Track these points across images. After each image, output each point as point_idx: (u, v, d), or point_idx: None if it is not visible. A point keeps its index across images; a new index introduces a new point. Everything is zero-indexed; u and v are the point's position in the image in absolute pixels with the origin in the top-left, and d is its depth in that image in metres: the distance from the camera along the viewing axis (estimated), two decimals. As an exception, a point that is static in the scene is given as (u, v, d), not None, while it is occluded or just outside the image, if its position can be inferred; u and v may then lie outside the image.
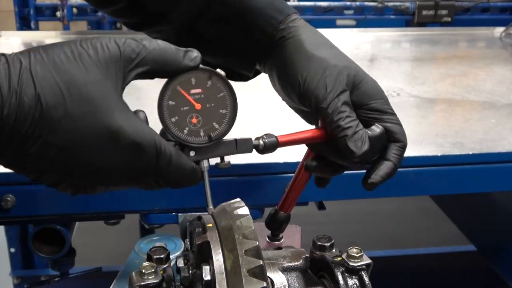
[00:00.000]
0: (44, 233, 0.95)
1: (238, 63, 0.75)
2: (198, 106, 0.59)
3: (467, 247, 2.14)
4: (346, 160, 0.67)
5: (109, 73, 0.55)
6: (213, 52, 0.73)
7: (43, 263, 2.18)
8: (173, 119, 0.59)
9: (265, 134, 0.65)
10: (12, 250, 2.17)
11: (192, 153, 0.60)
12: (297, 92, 0.68)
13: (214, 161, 0.63)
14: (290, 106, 0.75)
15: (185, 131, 0.59)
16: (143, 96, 1.20)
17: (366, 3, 2.25)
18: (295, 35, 0.70)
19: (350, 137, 0.65)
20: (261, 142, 0.64)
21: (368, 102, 0.68)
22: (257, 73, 0.78)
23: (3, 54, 0.53)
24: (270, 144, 0.64)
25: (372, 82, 0.70)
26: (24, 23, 2.29)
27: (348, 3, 2.26)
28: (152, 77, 0.58)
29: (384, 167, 0.68)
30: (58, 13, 2.32)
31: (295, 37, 0.70)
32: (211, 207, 0.61)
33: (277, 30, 0.71)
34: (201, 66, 0.59)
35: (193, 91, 0.59)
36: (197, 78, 0.59)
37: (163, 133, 0.62)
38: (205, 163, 0.61)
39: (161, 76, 0.58)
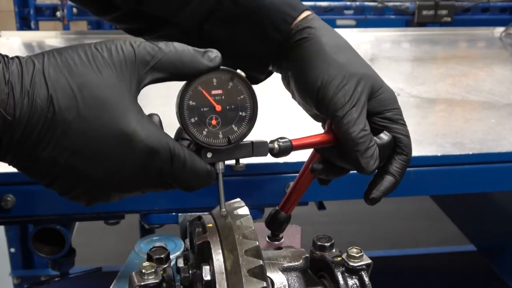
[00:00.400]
0: (44, 233, 0.95)
1: (249, 64, 0.73)
2: (218, 107, 0.58)
3: (467, 247, 2.14)
4: (352, 166, 0.67)
5: (123, 76, 0.54)
6: (223, 54, 0.73)
7: (43, 263, 2.17)
8: (192, 120, 0.57)
9: (280, 138, 0.64)
10: (12, 250, 2.16)
11: (209, 155, 0.59)
12: (314, 97, 0.67)
13: (228, 161, 0.62)
14: (303, 107, 0.74)
15: (204, 132, 0.58)
16: (144, 96, 1.20)
17: (366, 3, 2.25)
18: (315, 36, 0.69)
19: (362, 153, 0.64)
20: (276, 146, 0.63)
21: (382, 111, 0.68)
22: (269, 74, 0.77)
23: (17, 57, 0.52)
24: (285, 148, 0.64)
25: (389, 91, 0.69)
26: (24, 23, 2.29)
27: (348, 3, 2.26)
28: (170, 80, 0.57)
29: (386, 182, 0.68)
30: (58, 13, 2.32)
31: (315, 39, 0.69)
32: (224, 209, 0.60)
33: (293, 28, 0.70)
34: (222, 67, 0.58)
35: (214, 92, 0.58)
36: (218, 79, 0.58)
37: (179, 132, 0.61)
38: (220, 165, 0.60)
39: (179, 79, 0.57)
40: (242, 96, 0.59)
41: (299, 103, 0.74)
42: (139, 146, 0.54)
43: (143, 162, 0.55)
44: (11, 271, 2.18)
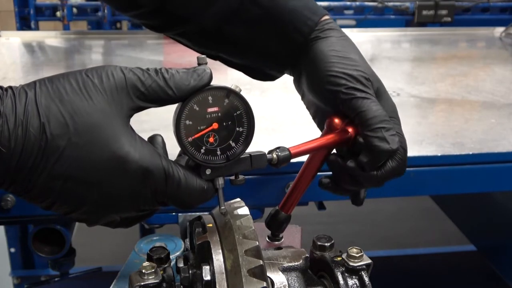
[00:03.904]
0: (44, 233, 0.95)
1: (268, 64, 0.75)
2: (215, 125, 0.58)
3: (467, 247, 2.14)
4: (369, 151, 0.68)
5: (114, 101, 0.55)
6: (241, 53, 0.73)
7: (43, 263, 2.18)
8: (190, 139, 0.58)
9: (278, 148, 0.65)
10: (12, 250, 2.17)
11: (208, 171, 0.60)
12: (324, 86, 0.69)
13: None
14: (311, 109, 0.75)
15: (202, 151, 0.58)
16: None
17: (366, 3, 2.25)
18: (328, 36, 0.71)
19: (388, 130, 0.65)
20: (275, 156, 0.64)
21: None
22: (283, 73, 0.78)
23: (10, 87, 0.53)
24: (283, 158, 0.64)
25: (390, 99, 0.71)
26: (24, 23, 2.30)
27: (348, 3, 2.26)
28: (163, 105, 0.58)
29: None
30: (58, 13, 2.32)
31: (329, 38, 0.71)
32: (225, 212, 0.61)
33: (313, 30, 0.71)
34: (217, 84, 0.58)
35: (210, 109, 0.58)
36: (214, 96, 0.58)
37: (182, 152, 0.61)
38: (220, 181, 0.61)
39: (171, 102, 0.58)
40: (238, 112, 0.59)
41: (307, 105, 0.75)
42: (132, 168, 0.55)
43: (138, 184, 0.56)
44: (11, 271, 2.18)
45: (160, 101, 0.57)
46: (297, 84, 0.75)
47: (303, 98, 0.75)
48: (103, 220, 0.59)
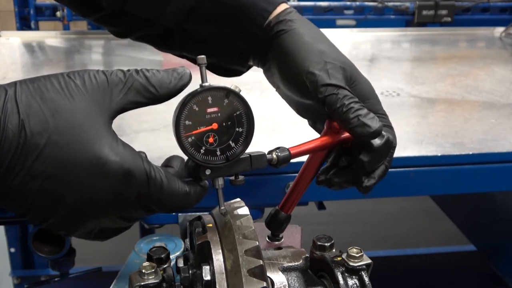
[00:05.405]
0: (44, 233, 0.95)
1: (232, 59, 0.75)
2: (215, 125, 0.58)
3: (467, 247, 2.14)
4: (352, 173, 0.68)
5: (96, 102, 0.54)
6: (206, 51, 0.73)
7: (43, 263, 2.18)
8: (189, 139, 0.58)
9: (277, 148, 0.65)
10: (12, 250, 2.17)
11: (207, 172, 0.59)
12: (298, 82, 0.68)
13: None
14: (287, 99, 0.75)
15: (202, 151, 0.58)
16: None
17: (366, 3, 2.25)
18: (294, 28, 0.70)
19: (364, 116, 0.64)
20: (275, 157, 0.64)
21: (361, 102, 0.68)
22: (249, 67, 0.78)
23: None
24: (283, 158, 0.64)
25: (366, 82, 0.70)
26: (24, 23, 2.30)
27: (348, 3, 2.26)
28: (146, 105, 0.57)
29: (378, 170, 0.69)
30: (58, 13, 2.32)
31: (294, 30, 0.70)
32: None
33: (272, 21, 0.71)
34: (217, 84, 0.58)
35: (209, 109, 0.58)
36: (213, 97, 0.58)
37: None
38: (220, 181, 0.60)
39: (155, 102, 0.58)
40: (238, 112, 0.59)
41: (283, 96, 0.75)
42: (113, 169, 0.54)
43: (119, 186, 0.54)
44: (11, 271, 2.18)
45: (143, 100, 0.57)
46: (269, 77, 0.75)
47: (277, 90, 0.75)
48: (82, 227, 0.57)
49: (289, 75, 0.70)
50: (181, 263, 0.63)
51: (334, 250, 0.64)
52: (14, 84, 0.53)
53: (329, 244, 0.63)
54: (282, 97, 0.76)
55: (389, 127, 0.70)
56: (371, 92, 0.70)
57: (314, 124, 0.75)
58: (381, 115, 0.70)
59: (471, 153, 0.95)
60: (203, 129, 0.58)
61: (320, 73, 0.66)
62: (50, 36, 1.88)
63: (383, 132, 0.66)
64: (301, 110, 0.75)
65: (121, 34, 0.76)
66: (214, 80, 0.59)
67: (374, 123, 0.64)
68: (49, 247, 0.97)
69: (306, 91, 0.68)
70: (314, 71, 0.66)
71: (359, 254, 0.60)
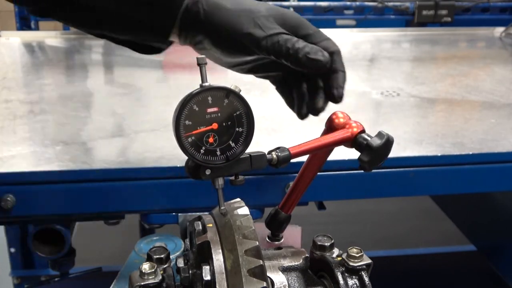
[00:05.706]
0: (44, 233, 0.95)
1: (148, 37, 0.75)
2: (215, 125, 0.58)
3: (467, 247, 2.14)
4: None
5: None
6: (120, 28, 0.73)
7: (43, 263, 2.17)
8: (189, 139, 0.58)
9: (277, 148, 0.64)
10: (12, 250, 2.17)
11: (207, 172, 0.60)
12: (240, 48, 0.70)
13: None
14: (231, 67, 0.76)
15: (202, 151, 0.58)
16: (143, 96, 1.21)
17: (366, 3, 2.25)
18: (213, 1, 0.71)
19: (313, 53, 0.67)
20: (275, 157, 0.64)
21: (302, 34, 0.70)
22: (169, 43, 0.78)
23: None
24: (283, 158, 0.64)
25: (293, 14, 0.72)
26: (24, 23, 2.29)
27: (348, 3, 2.26)
28: None
29: (340, 77, 0.71)
30: (58, 13, 2.32)
31: (212, 1, 0.71)
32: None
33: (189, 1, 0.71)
34: (217, 84, 0.58)
35: (209, 110, 0.58)
36: (213, 97, 0.58)
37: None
38: (220, 181, 0.61)
39: None
40: (238, 112, 0.59)
41: (227, 65, 0.76)
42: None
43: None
44: (11, 271, 2.18)
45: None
46: (205, 53, 0.74)
47: (218, 61, 0.75)
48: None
49: (228, 46, 0.71)
50: (181, 263, 0.63)
51: (334, 250, 0.64)
52: None
53: (329, 244, 0.64)
54: (229, 68, 0.76)
55: (336, 52, 0.71)
56: (303, 21, 0.72)
57: (274, 80, 0.77)
58: (324, 39, 0.71)
59: (471, 153, 0.95)
60: (203, 129, 0.58)
61: (254, 30, 0.68)
62: (50, 36, 1.88)
63: (383, 132, 0.66)
64: (256, 71, 0.76)
65: (41, 12, 0.77)
66: (214, 80, 0.59)
67: (321, 56, 0.67)
68: (49, 247, 0.97)
69: (251, 51, 0.70)
70: (249, 31, 0.69)
71: (359, 254, 0.60)
